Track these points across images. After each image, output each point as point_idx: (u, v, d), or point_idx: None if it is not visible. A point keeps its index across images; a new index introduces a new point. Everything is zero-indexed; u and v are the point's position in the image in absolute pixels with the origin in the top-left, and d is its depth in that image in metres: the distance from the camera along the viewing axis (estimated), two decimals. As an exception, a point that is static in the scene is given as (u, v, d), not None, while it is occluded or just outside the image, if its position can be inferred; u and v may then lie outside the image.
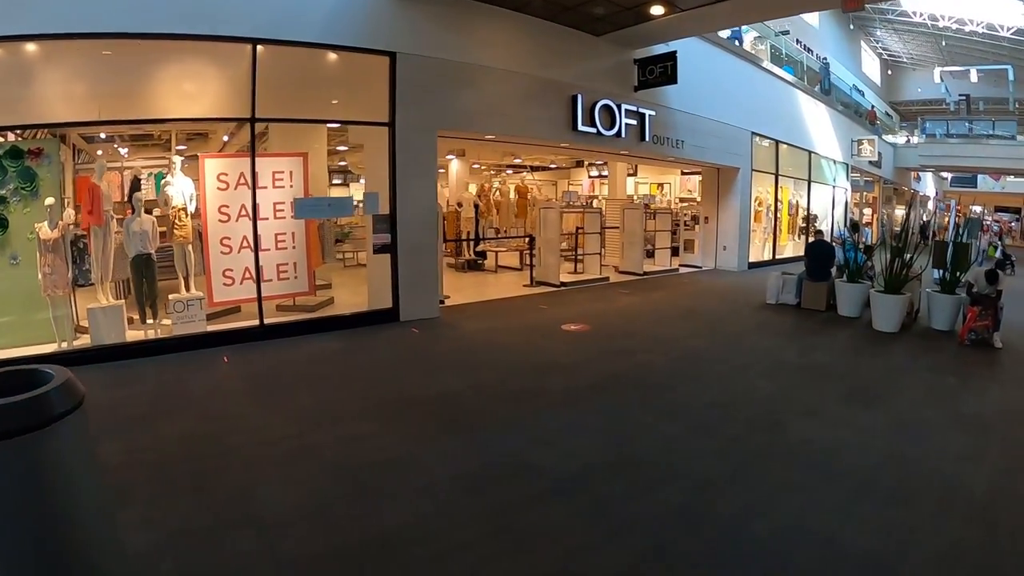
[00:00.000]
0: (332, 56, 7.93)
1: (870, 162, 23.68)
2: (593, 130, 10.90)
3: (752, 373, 6.56)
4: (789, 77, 18.27)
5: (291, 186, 7.91)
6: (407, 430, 4.68)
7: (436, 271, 9.13)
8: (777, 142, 17.18)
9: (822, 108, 20.37)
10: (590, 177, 22.57)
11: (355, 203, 10.05)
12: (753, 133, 15.81)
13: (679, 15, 9.76)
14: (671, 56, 11.34)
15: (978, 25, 30.60)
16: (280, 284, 7.95)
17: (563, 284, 11.76)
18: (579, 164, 22.11)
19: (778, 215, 18.22)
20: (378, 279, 8.63)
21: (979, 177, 40.14)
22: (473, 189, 18.46)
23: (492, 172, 22.11)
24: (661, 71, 11.50)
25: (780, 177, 17.62)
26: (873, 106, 29.78)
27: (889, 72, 40.51)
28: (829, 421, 5.13)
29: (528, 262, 12.64)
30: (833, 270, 10.44)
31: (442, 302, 9.55)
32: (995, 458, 4.43)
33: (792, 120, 18.20)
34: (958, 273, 9.16)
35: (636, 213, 14.10)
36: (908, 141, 29.48)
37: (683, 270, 15.32)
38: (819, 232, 12.05)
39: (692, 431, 4.82)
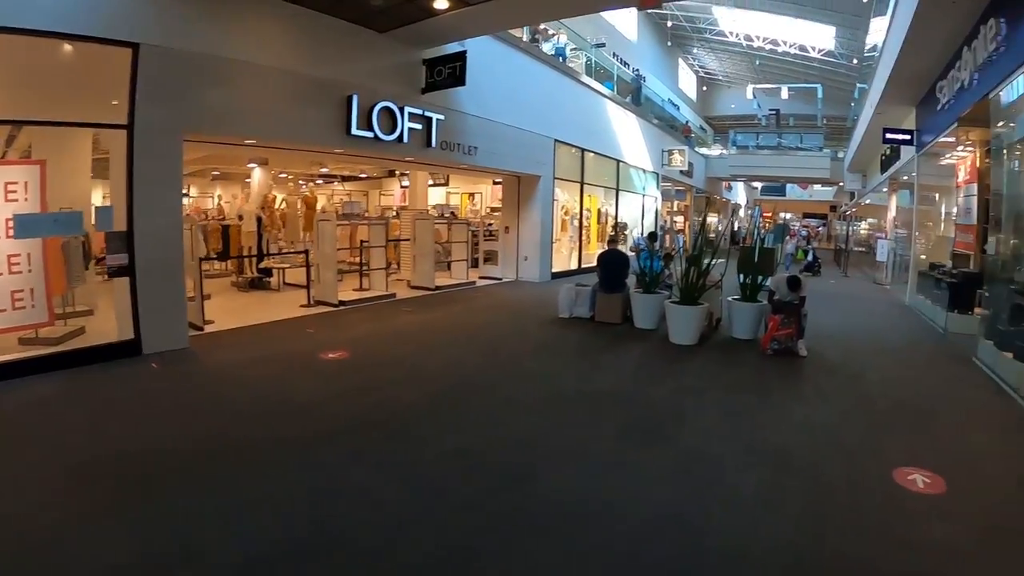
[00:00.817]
0: (67, 47, 6.68)
1: (681, 172, 23.89)
2: (370, 134, 10.00)
3: (521, 406, 5.79)
4: (600, 87, 17.99)
5: (26, 199, 6.76)
6: (75, 504, 3.76)
7: (182, 295, 7.97)
8: (583, 150, 16.71)
9: (632, 118, 20.25)
10: (402, 187, 20.89)
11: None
12: (557, 140, 15.20)
13: (468, 10, 9.05)
14: (460, 56, 10.64)
15: (791, 46, 32.42)
16: (15, 314, 6.77)
17: (342, 303, 10.73)
18: (391, 174, 21.10)
19: (584, 224, 17.76)
20: (123, 305, 7.41)
21: (788, 186, 42.50)
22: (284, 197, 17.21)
23: (301, 183, 21.29)
24: (450, 72, 10.78)
25: (587, 186, 17.25)
26: (688, 121, 30.56)
27: (704, 88, 42.42)
28: (596, 468, 4.40)
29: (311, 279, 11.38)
30: (633, 280, 9.99)
31: (202, 328, 8.58)
32: (797, 508, 3.84)
33: (600, 129, 17.93)
34: (759, 279, 9.03)
35: (427, 224, 13.17)
36: (721, 154, 30.27)
37: (483, 283, 14.59)
38: (612, 240, 11.26)
39: (421, 494, 3.95)
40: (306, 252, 11.38)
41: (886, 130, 13.61)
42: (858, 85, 25.64)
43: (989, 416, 5.85)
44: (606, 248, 10.42)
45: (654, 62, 31.57)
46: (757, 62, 37.34)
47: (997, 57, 7.39)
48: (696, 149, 29.55)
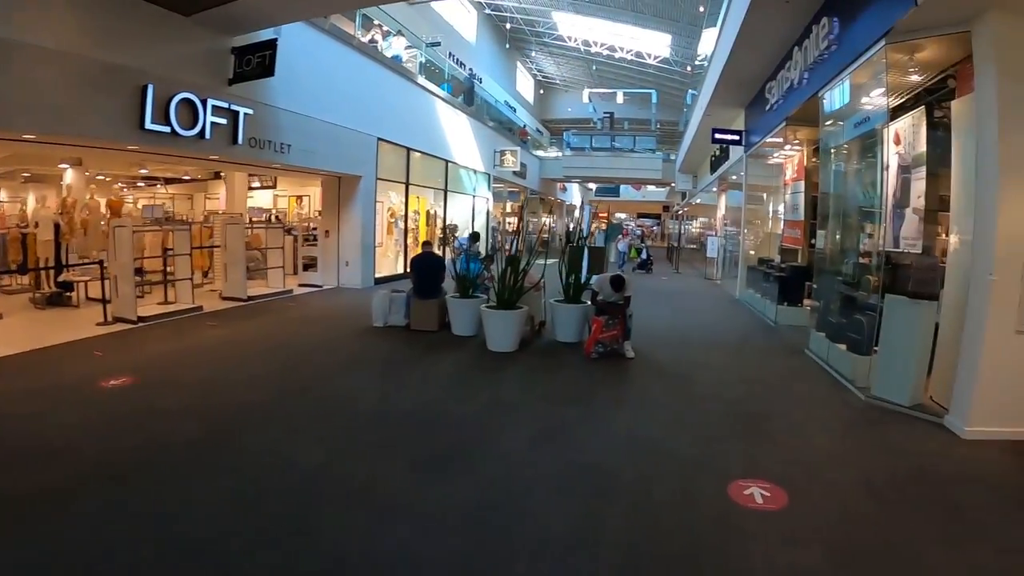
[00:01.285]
0: None
1: (514, 173, 23.69)
2: (167, 129, 8.61)
3: (312, 435, 4.85)
4: (433, 87, 17.29)
5: None
6: None
7: None
8: (409, 149, 15.73)
9: (464, 118, 19.57)
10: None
11: None
12: (380, 139, 14.13)
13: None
14: (271, 44, 9.48)
15: (627, 52, 33.60)
16: None
17: (141, 320, 9.14)
18: (217, 176, 18.93)
19: (412, 226, 16.85)
20: None
21: (622, 187, 44.34)
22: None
23: (120, 186, 19.18)
24: (259, 61, 9.57)
25: (413, 187, 16.30)
26: (525, 125, 30.79)
27: (542, 91, 43.25)
28: (383, 513, 3.57)
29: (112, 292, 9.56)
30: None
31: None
32: (617, 546, 3.26)
33: (428, 128, 17.08)
34: (584, 279, 8.66)
35: (237, 229, 11.60)
36: (557, 156, 30.74)
37: (301, 291, 13.18)
38: (426, 244, 10.28)
39: (169, 558, 3.02)
40: (100, 263, 9.62)
41: (715, 131, 14.13)
42: (689, 91, 27.01)
43: (827, 412, 5.79)
44: (420, 251, 9.63)
45: (492, 64, 31.56)
46: (594, 67, 38.65)
47: (828, 56, 7.57)
48: (533, 152, 29.86)
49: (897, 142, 6.78)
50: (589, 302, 7.99)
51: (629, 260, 23.72)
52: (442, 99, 17.63)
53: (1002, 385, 5.09)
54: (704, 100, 14.95)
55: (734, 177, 16.66)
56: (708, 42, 19.25)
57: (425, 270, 9.05)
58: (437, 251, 10.21)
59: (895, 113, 6.85)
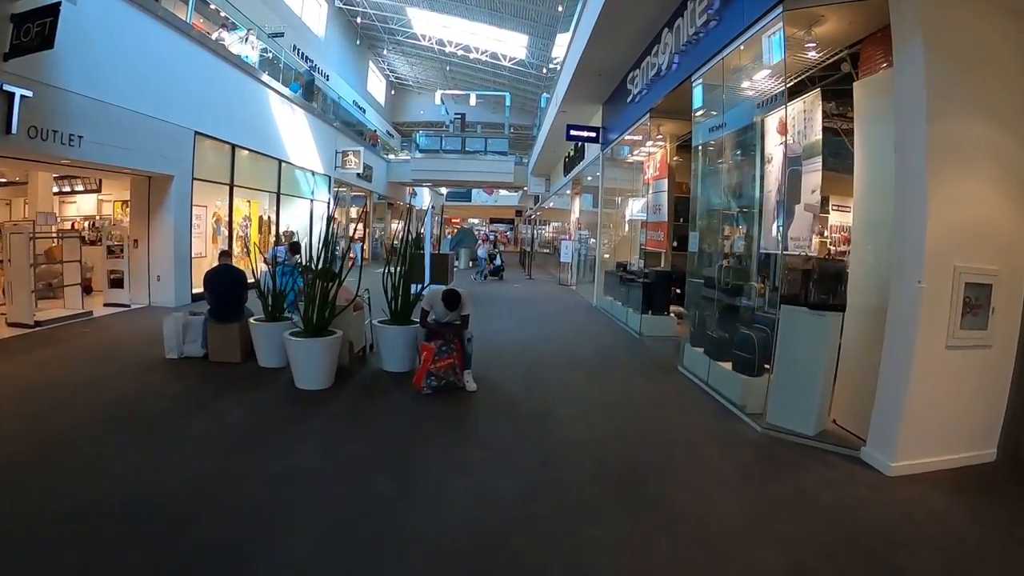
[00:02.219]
0: None
1: (358, 175, 21.70)
2: None
3: (19, 538, 3.04)
4: (275, 82, 15.15)
5: None
6: None
7: None
8: (235, 146, 13.33)
9: (301, 114, 17.33)
10: (56, 193, 15.24)
11: None
12: (199, 133, 11.71)
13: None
14: (52, 10, 7.48)
15: (483, 54, 32.52)
16: None
17: None
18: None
19: (242, 233, 14.47)
20: None
21: (474, 191, 43.43)
22: None
23: None
24: (39, 31, 7.53)
25: (241, 189, 13.94)
26: (376, 129, 28.90)
27: (393, 92, 41.41)
28: None
29: None
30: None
31: None
32: None
33: (259, 123, 14.71)
34: (422, 290, 7.29)
35: (20, 240, 8.90)
36: (406, 158, 29.01)
37: (105, 312, 10.45)
38: (224, 254, 7.99)
39: None
40: None
41: (571, 127, 13.21)
42: (544, 95, 26.43)
43: (721, 454, 4.64)
44: (217, 263, 7.59)
45: (342, 62, 29.33)
46: (448, 68, 37.49)
47: (706, 34, 6.63)
48: (384, 156, 28.06)
49: (783, 131, 5.93)
50: (420, 324, 6.35)
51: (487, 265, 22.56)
52: (276, 92, 15.37)
53: (932, 410, 4.25)
54: (559, 94, 14.01)
55: (589, 178, 15.92)
56: (563, 46, 18.50)
57: (221, 287, 7.00)
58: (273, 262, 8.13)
59: (778, 100, 6.02)
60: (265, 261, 8.95)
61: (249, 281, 7.34)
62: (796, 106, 5.80)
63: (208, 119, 12.00)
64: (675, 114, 9.03)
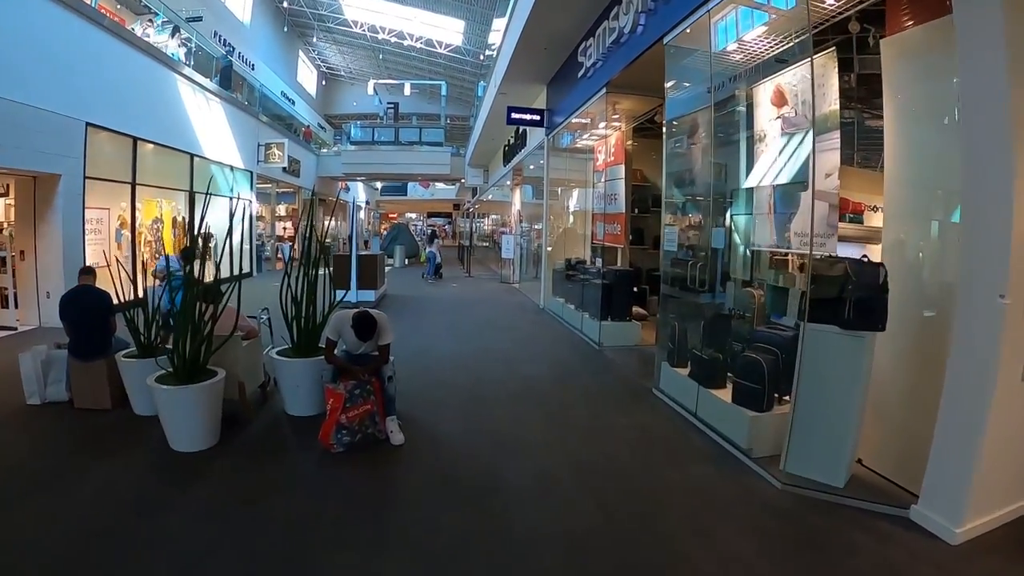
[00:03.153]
0: None
1: (284, 169, 19.85)
2: None
3: None
4: (168, 57, 13.04)
5: None
6: None
7: None
8: (137, 139, 11.43)
9: (217, 104, 15.45)
10: None
11: None
12: (91, 125, 9.86)
13: None
14: None
15: (417, 41, 30.76)
16: None
17: None
18: None
19: (152, 238, 12.54)
20: None
21: (410, 185, 41.71)
22: None
23: None
24: None
25: (145, 188, 12.02)
26: (308, 123, 26.97)
27: (324, 83, 39.21)
28: None
29: None
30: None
31: None
32: None
33: (166, 113, 12.80)
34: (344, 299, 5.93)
35: None
36: (338, 153, 27.12)
37: None
38: (85, 271, 6.00)
39: None
40: None
41: (512, 110, 11.86)
42: (481, 83, 24.96)
43: (740, 530, 3.40)
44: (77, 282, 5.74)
45: (269, 50, 27.06)
46: (381, 56, 35.59)
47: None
48: (316, 149, 26.16)
49: (780, 102, 4.78)
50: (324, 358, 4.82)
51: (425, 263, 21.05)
52: (188, 78, 13.45)
53: (1007, 456, 3.22)
54: (499, 74, 12.65)
55: (532, 167, 14.65)
56: (500, 31, 17.12)
57: (77, 316, 5.28)
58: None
59: (772, 68, 4.87)
60: (155, 274, 7.33)
61: (147, 300, 5.64)
62: (798, 71, 4.63)
63: (103, 108, 10.17)
64: (636, 89, 7.85)
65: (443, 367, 6.83)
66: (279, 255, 21.64)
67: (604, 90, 8.01)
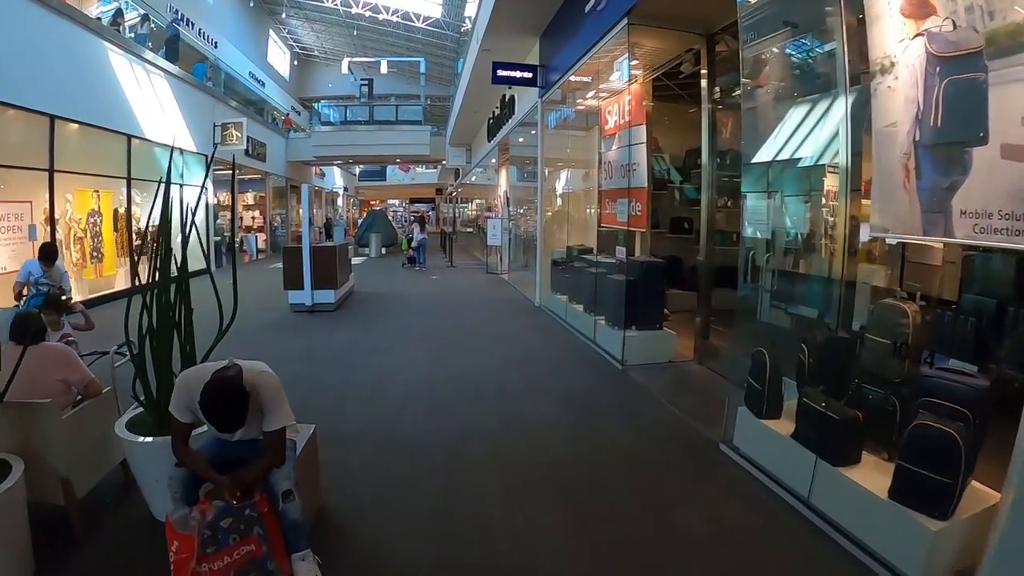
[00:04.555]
0: None
1: (246, 153, 17.66)
2: None
3: None
4: (95, 22, 10.99)
5: None
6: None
7: None
8: (54, 117, 9.35)
9: (161, 79, 13.26)
10: None
11: None
12: None
13: None
14: None
15: (394, 15, 28.41)
16: None
17: None
18: None
19: (87, 230, 10.63)
20: None
21: (389, 169, 39.52)
22: None
23: None
24: None
25: (67, 175, 9.87)
26: (288, 112, 24.72)
27: (296, 63, 36.71)
28: None
29: None
30: None
31: None
32: None
33: (94, 88, 10.58)
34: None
35: None
36: (308, 135, 24.81)
37: None
38: None
39: None
40: None
41: (497, 66, 9.73)
42: (460, 59, 22.74)
43: None
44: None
45: (237, 29, 24.33)
46: (356, 32, 33.17)
47: None
48: (285, 132, 23.95)
49: (920, 10, 2.82)
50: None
51: (404, 251, 19.06)
52: (121, 48, 11.27)
53: None
54: (481, 25, 10.52)
55: (521, 140, 12.62)
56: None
57: None
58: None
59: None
60: (15, 288, 5.42)
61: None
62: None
63: (5, 80, 8.14)
64: (667, 21, 5.89)
65: (410, 409, 4.82)
66: (244, 248, 19.50)
67: (625, 21, 6.00)
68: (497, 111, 13.95)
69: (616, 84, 7.42)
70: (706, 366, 6.06)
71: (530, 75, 9.46)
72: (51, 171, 9.27)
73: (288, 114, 25.47)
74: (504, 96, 12.74)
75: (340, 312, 9.52)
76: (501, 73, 9.57)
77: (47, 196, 9.34)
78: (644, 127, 6.70)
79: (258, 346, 7.11)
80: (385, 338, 7.53)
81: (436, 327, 8.32)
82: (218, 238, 17.89)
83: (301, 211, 9.27)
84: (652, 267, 6.21)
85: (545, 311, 9.39)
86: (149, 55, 12.67)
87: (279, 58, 32.94)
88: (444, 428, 4.43)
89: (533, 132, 10.68)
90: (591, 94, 8.49)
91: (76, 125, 10.00)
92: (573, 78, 8.41)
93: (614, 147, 7.42)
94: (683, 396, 5.14)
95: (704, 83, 6.40)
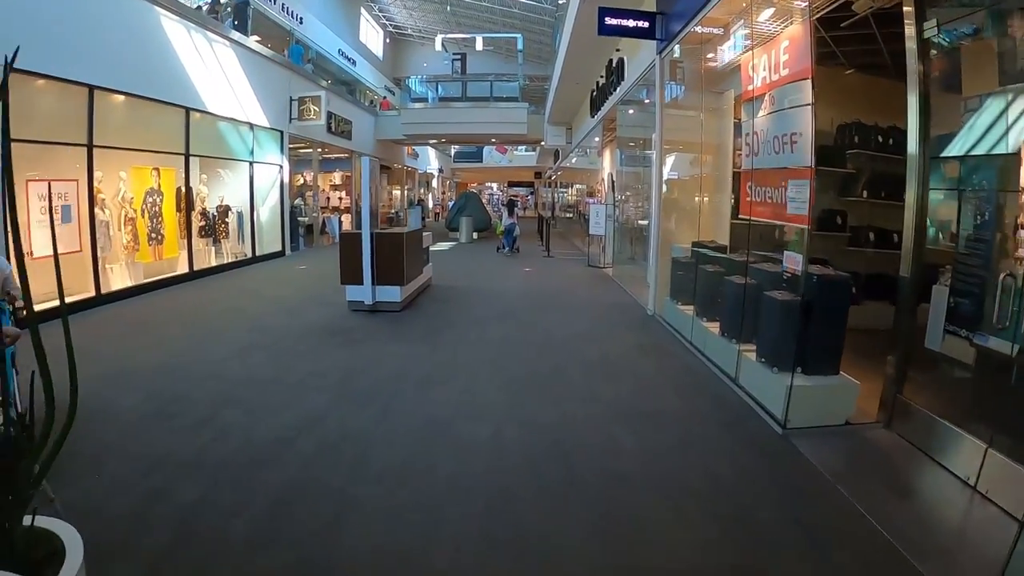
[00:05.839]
0: None
1: (329, 130, 16.76)
2: None
3: None
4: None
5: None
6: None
7: None
8: (93, 88, 8.40)
9: (227, 50, 12.26)
10: None
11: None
12: (15, 69, 6.41)
13: None
14: None
15: None
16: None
17: None
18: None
19: (147, 210, 9.85)
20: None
21: (485, 151, 38.21)
22: None
23: None
24: None
25: (110, 150, 8.86)
26: (385, 96, 23.86)
27: (388, 41, 35.92)
28: None
29: None
30: None
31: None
32: None
33: (145, 56, 9.61)
34: None
35: None
36: (397, 112, 23.68)
37: None
38: None
39: None
40: None
41: (604, 12, 7.73)
42: (557, 35, 20.91)
43: None
44: None
45: (326, 8, 23.55)
46: (450, 8, 31.96)
47: None
48: (374, 110, 23.09)
49: None
50: None
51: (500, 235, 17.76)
52: (174, 13, 10.23)
53: None
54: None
55: (631, 111, 10.68)
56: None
57: None
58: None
59: None
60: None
61: None
62: None
63: (34, 46, 7.25)
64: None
65: (458, 514, 3.12)
66: (326, 230, 18.63)
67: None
68: (602, 79, 12.05)
69: (766, 27, 5.45)
70: (897, 432, 4.08)
71: (646, 24, 7.51)
72: (90, 146, 8.35)
73: (386, 97, 24.57)
74: (611, 61, 10.83)
75: (406, 314, 8.06)
76: (610, 22, 7.63)
77: (97, 174, 8.58)
78: (809, 83, 4.72)
79: (289, 359, 5.78)
80: (449, 359, 5.91)
81: (519, 342, 6.62)
82: (305, 219, 17.12)
83: (360, 188, 7.83)
84: (835, 285, 4.25)
85: (660, 322, 7.54)
86: (215, 24, 11.73)
87: (372, 37, 32.25)
88: (507, 562, 2.75)
89: (647, 101, 8.79)
90: (728, 47, 6.52)
91: (122, 97, 9.09)
92: (699, 29, 6.50)
93: (763, 112, 5.46)
94: (891, 500, 3.25)
95: (911, 26, 4.34)
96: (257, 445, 3.82)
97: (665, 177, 8.12)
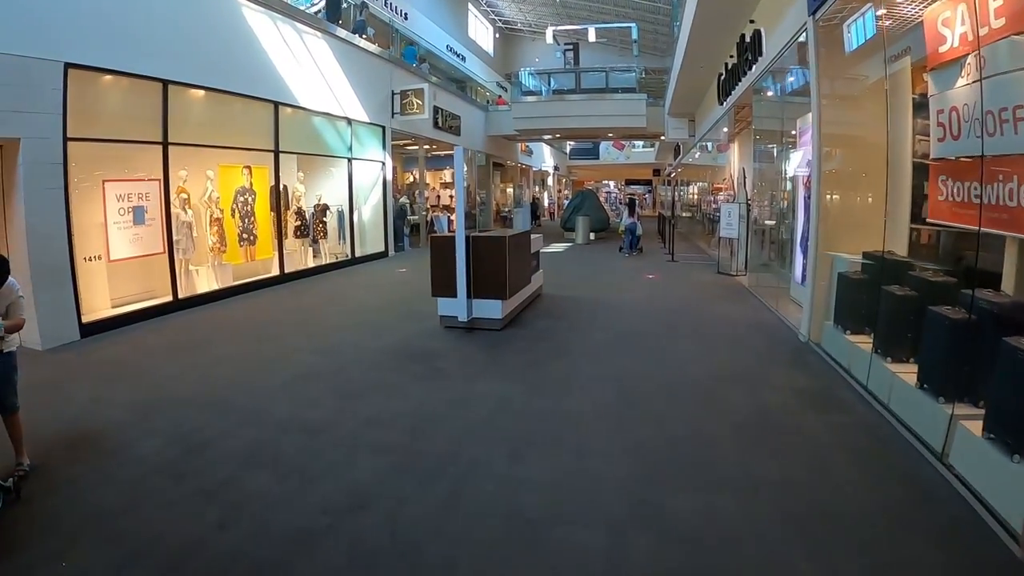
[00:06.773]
0: None
1: (435, 125, 16.19)
2: None
3: None
4: None
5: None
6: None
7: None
8: (167, 83, 8.10)
9: (320, 41, 11.91)
10: None
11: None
12: (73, 66, 6.75)
13: None
14: None
15: None
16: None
17: None
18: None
19: (240, 209, 9.83)
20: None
21: (602, 147, 36.83)
22: None
23: None
24: None
25: (186, 148, 8.56)
26: (500, 95, 23.65)
27: (498, 36, 35.41)
28: None
29: None
30: None
31: None
32: None
33: (225, 49, 9.29)
34: None
35: None
36: (508, 107, 22.86)
37: None
38: None
39: None
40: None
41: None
42: (675, 23, 19.26)
43: None
44: None
45: (432, 3, 23.40)
46: (560, 0, 30.91)
47: None
48: (485, 104, 22.53)
49: None
50: None
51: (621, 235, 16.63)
52: (259, 4, 9.90)
53: None
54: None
55: (769, 93, 9.10)
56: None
57: None
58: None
59: None
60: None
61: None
62: None
63: (98, 41, 7.00)
64: None
65: None
66: (435, 229, 18.13)
67: None
68: (732, 60, 10.53)
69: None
70: None
71: (793, -15, 6.11)
72: (165, 143, 8.07)
73: (500, 96, 23.96)
74: (743, 37, 9.33)
75: (507, 333, 6.97)
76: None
77: (181, 173, 8.49)
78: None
79: (350, 396, 4.94)
80: (552, 408, 4.71)
81: (644, 382, 5.34)
82: (414, 217, 16.76)
83: (454, 184, 6.96)
84: None
85: (819, 353, 6.04)
86: (309, 17, 11.50)
87: (481, 33, 31.90)
88: None
89: (791, 79, 7.30)
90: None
91: (200, 91, 8.80)
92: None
93: (959, 82, 4.02)
94: None
95: None
96: (272, 540, 2.86)
97: (825, 170, 6.59)
